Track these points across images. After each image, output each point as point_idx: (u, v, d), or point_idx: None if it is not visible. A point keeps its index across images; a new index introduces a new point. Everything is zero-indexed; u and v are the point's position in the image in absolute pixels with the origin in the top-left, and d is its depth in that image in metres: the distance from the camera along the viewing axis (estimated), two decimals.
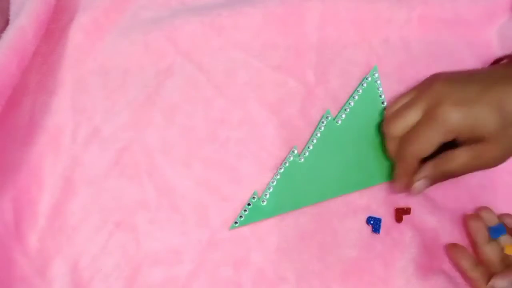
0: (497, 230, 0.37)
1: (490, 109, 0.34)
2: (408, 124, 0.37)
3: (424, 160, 0.36)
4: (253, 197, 0.39)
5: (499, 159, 0.35)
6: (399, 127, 0.37)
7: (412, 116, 0.36)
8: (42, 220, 0.38)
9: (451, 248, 0.39)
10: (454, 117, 0.34)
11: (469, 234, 0.39)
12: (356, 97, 0.41)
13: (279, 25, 0.43)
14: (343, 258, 0.39)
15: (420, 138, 0.35)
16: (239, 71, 0.42)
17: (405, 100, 0.38)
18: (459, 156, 0.35)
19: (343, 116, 0.41)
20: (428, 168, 0.36)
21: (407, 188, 0.38)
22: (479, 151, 0.35)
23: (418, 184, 0.37)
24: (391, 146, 0.38)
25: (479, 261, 0.38)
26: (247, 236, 0.39)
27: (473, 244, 0.38)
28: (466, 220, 0.39)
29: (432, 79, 0.37)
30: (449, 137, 0.35)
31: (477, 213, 0.39)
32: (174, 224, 0.39)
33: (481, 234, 0.38)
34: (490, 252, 0.37)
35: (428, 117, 0.35)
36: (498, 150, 0.35)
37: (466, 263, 0.37)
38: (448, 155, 0.36)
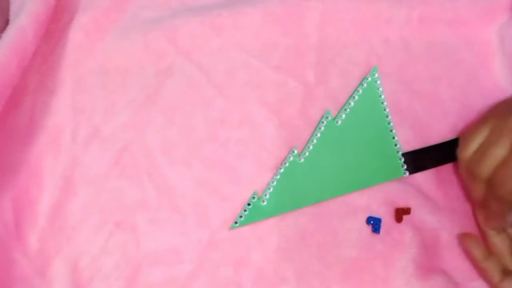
0: None
1: None
2: (497, 162, 0.34)
3: None
4: (253, 197, 0.39)
5: None
6: (488, 166, 0.35)
7: (500, 152, 0.34)
8: (42, 220, 0.38)
9: (464, 237, 0.38)
10: None
11: (478, 225, 0.39)
12: (356, 97, 0.41)
13: (279, 25, 0.43)
14: (343, 258, 0.39)
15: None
16: (239, 71, 0.42)
17: (480, 136, 0.36)
18: None
19: (343, 116, 0.41)
20: None
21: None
22: None
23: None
24: (479, 188, 0.36)
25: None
26: (247, 236, 0.39)
27: (483, 235, 0.38)
28: (473, 212, 0.39)
29: (504, 109, 0.36)
30: None
31: None
32: (174, 224, 0.39)
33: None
34: (500, 243, 0.37)
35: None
36: None
37: (478, 253, 0.37)
38: None
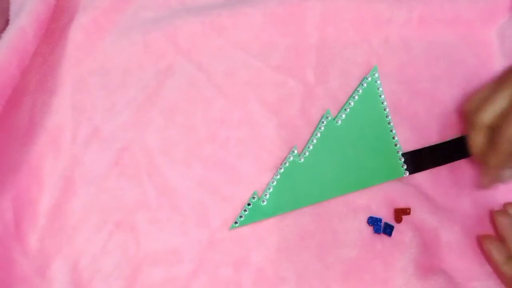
0: None
1: None
2: (497, 111, 0.35)
3: None
4: (253, 197, 0.39)
5: None
6: (488, 114, 0.35)
7: (501, 103, 0.35)
8: (42, 220, 0.38)
9: (484, 240, 0.38)
10: None
11: (496, 230, 0.39)
12: (356, 97, 0.41)
13: (279, 25, 0.43)
14: (343, 258, 0.39)
15: None
16: (239, 71, 0.42)
17: (485, 91, 0.37)
18: None
19: (343, 116, 0.41)
20: None
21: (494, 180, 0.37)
22: None
23: (509, 172, 0.36)
24: (479, 137, 0.36)
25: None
26: (247, 236, 0.39)
27: (502, 240, 0.38)
28: (494, 216, 0.38)
29: (508, 67, 0.36)
30: None
31: (504, 209, 0.38)
32: (174, 224, 0.39)
33: (509, 230, 0.37)
34: None
35: None
36: None
37: (499, 257, 0.37)
38: None
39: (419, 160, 0.41)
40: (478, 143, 0.37)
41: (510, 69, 0.37)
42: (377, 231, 0.39)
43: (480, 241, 0.39)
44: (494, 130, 0.35)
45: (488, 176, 0.37)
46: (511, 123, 0.34)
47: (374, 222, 0.39)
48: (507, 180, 0.37)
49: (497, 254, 0.37)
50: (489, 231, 0.40)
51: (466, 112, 0.38)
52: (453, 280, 0.38)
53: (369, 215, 0.39)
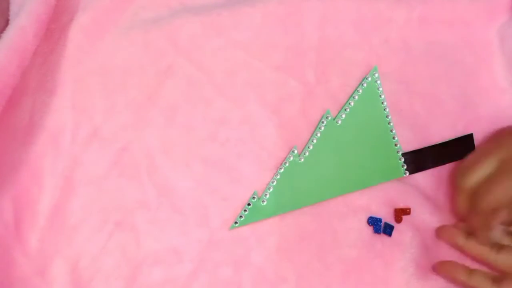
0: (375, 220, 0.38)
1: None
2: (481, 176, 0.36)
3: None
4: (253, 197, 0.39)
5: None
6: (472, 179, 0.36)
7: (486, 169, 0.36)
8: (42, 220, 0.38)
9: (440, 267, 0.37)
10: None
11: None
12: (356, 97, 0.41)
13: (279, 25, 0.43)
14: (343, 258, 0.39)
15: (498, 188, 0.35)
16: (239, 71, 0.42)
17: (475, 156, 0.38)
18: None
19: (343, 116, 0.41)
20: (503, 214, 0.35)
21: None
22: None
23: (496, 233, 0.36)
24: (462, 199, 0.37)
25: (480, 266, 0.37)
26: (247, 236, 0.39)
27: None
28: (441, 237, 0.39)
29: (502, 133, 0.37)
30: None
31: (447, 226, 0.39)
32: (174, 224, 0.39)
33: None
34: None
35: (504, 167, 0.35)
36: None
37: (462, 275, 0.36)
38: None
39: (419, 160, 0.41)
40: (462, 207, 0.38)
41: (499, 133, 0.38)
42: (377, 231, 0.39)
43: (436, 270, 0.38)
44: (478, 194, 0.36)
45: (479, 237, 0.37)
46: (492, 187, 0.35)
47: (374, 222, 0.39)
48: (497, 240, 0.37)
49: (459, 274, 0.36)
50: None
51: (454, 175, 0.39)
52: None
53: (369, 215, 0.39)
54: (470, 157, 0.38)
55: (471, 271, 0.36)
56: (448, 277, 0.37)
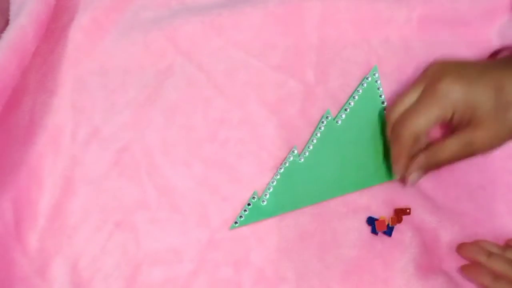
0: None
1: (488, 89, 0.34)
2: (406, 106, 0.37)
3: None
4: (253, 197, 0.39)
5: (490, 145, 0.35)
6: (398, 110, 0.37)
7: (411, 97, 0.37)
8: (42, 220, 0.38)
9: (467, 269, 0.38)
10: (454, 91, 0.34)
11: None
12: (356, 97, 0.41)
13: (279, 25, 0.43)
14: (343, 258, 0.39)
15: (418, 112, 0.36)
16: (239, 71, 0.42)
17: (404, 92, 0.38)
18: (450, 145, 0.35)
19: (343, 116, 0.41)
20: (420, 159, 0.36)
21: (403, 177, 0.38)
22: (470, 138, 0.35)
23: (412, 176, 0.37)
24: (390, 131, 0.38)
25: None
26: (247, 236, 0.39)
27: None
28: (460, 252, 0.39)
29: (431, 63, 0.38)
30: (446, 113, 0.35)
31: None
32: (174, 224, 0.39)
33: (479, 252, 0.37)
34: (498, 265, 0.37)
35: (426, 93, 0.36)
36: (489, 136, 0.35)
37: (486, 279, 0.36)
38: (439, 145, 0.36)
39: None
40: (389, 136, 0.38)
41: (428, 67, 0.38)
42: (374, 231, 0.39)
43: (463, 270, 0.38)
44: (399, 120, 0.37)
45: (396, 165, 0.38)
46: (414, 114, 0.36)
47: (372, 222, 0.39)
48: (412, 184, 0.38)
49: (484, 278, 0.37)
50: (489, 231, 0.40)
51: (386, 111, 0.39)
52: (453, 280, 0.38)
53: (369, 215, 0.39)
54: (400, 92, 0.39)
55: (496, 277, 0.36)
56: (473, 280, 0.38)
